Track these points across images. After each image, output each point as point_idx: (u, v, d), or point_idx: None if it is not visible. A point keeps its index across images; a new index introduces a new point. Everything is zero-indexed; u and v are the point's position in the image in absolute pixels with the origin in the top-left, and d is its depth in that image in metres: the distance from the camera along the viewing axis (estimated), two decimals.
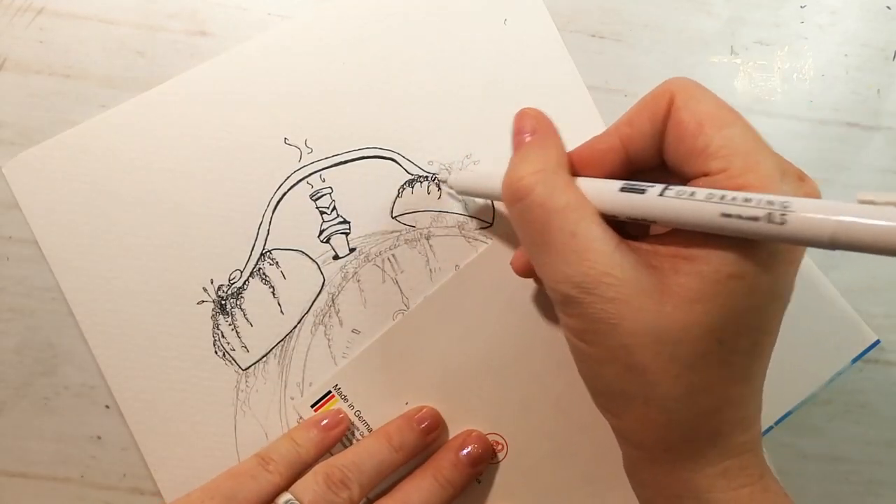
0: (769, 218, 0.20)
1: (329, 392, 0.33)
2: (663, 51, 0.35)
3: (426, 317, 0.34)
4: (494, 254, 0.34)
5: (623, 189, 0.23)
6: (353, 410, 0.33)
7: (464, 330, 0.34)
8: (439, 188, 0.34)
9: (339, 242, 0.34)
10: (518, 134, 0.27)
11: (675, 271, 0.22)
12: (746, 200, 0.20)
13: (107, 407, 0.34)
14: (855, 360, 0.34)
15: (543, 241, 0.23)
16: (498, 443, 0.34)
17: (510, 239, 0.34)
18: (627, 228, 0.25)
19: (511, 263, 0.31)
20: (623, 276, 0.22)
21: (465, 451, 0.32)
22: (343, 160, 0.34)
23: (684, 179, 0.24)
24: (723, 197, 0.21)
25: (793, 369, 0.34)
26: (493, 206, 0.34)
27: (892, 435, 0.35)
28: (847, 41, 0.36)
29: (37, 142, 0.33)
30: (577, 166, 0.26)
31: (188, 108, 0.33)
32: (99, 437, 0.34)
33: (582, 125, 0.34)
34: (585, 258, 0.23)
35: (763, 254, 0.22)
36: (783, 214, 0.19)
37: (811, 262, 0.34)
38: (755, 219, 0.20)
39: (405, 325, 0.34)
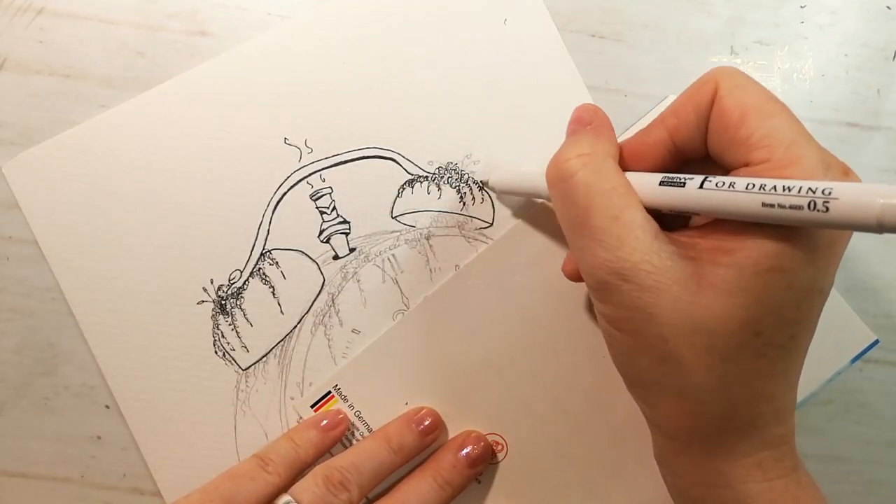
0: (812, 205, 0.19)
1: (329, 392, 0.33)
2: (663, 51, 0.35)
3: (426, 317, 0.34)
4: (494, 254, 0.34)
5: (662, 182, 0.23)
6: (353, 411, 0.34)
7: (464, 330, 0.34)
8: (440, 188, 0.34)
9: (339, 242, 0.34)
10: (575, 122, 0.28)
11: (713, 263, 0.22)
12: (787, 189, 0.20)
13: (107, 407, 0.34)
14: (854, 360, 0.34)
15: (584, 223, 0.23)
16: (498, 443, 0.34)
17: (509, 239, 0.34)
18: (667, 221, 0.25)
19: (562, 268, 0.31)
20: (662, 265, 0.22)
21: (464, 452, 0.32)
22: (343, 160, 0.34)
23: (727, 170, 0.24)
24: (763, 186, 0.20)
25: None
26: (493, 206, 0.34)
27: (892, 435, 0.35)
28: (847, 41, 0.36)
29: (37, 142, 0.33)
30: (626, 160, 0.26)
31: (188, 108, 0.33)
32: (99, 437, 0.34)
33: None
34: (626, 244, 0.22)
35: (803, 247, 0.22)
36: (825, 202, 0.19)
37: None
38: (798, 207, 0.20)
39: (405, 326, 0.34)
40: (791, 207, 0.20)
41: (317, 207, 0.34)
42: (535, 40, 0.35)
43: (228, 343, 0.33)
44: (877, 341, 0.34)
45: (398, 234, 0.34)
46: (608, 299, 0.23)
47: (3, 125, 0.34)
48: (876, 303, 0.35)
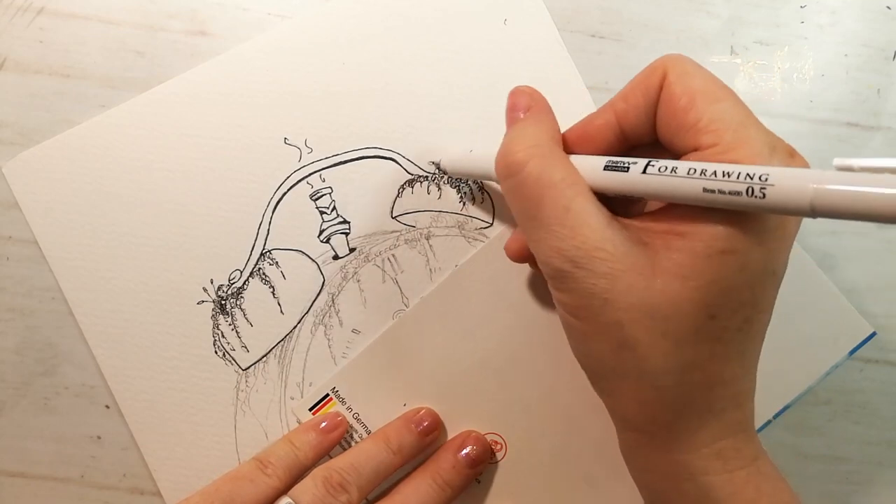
0: (750, 191, 0.20)
1: (327, 395, 0.33)
2: (663, 51, 0.35)
3: (423, 318, 0.34)
4: (489, 253, 0.34)
5: (607, 167, 0.24)
6: (352, 413, 0.33)
7: (461, 330, 0.34)
8: (440, 188, 0.34)
9: (338, 242, 0.34)
10: (512, 111, 0.27)
11: (666, 247, 0.22)
12: (727, 174, 0.20)
13: (107, 407, 0.34)
14: (852, 353, 0.34)
15: (537, 215, 0.24)
16: (497, 443, 0.34)
17: (504, 238, 0.34)
18: (619, 205, 0.25)
19: (505, 248, 0.31)
20: (615, 251, 0.22)
21: (463, 452, 0.32)
22: (343, 160, 0.34)
23: (676, 154, 0.24)
24: (703, 172, 0.21)
25: (790, 363, 0.34)
26: (493, 206, 0.34)
27: (892, 435, 0.35)
28: (847, 41, 0.36)
29: (37, 142, 0.33)
30: (572, 143, 0.26)
31: (188, 108, 0.34)
32: (99, 437, 0.34)
33: None
34: (578, 233, 0.23)
35: (755, 228, 0.22)
36: (762, 188, 0.19)
37: (807, 257, 0.34)
38: (737, 193, 0.20)
39: (402, 327, 0.34)
40: (730, 193, 0.20)
41: (317, 207, 0.34)
42: (535, 40, 0.35)
43: (228, 343, 0.33)
44: (873, 333, 0.34)
45: (398, 234, 0.34)
46: (564, 287, 0.24)
47: (3, 125, 0.34)
48: (876, 303, 0.35)
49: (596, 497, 0.34)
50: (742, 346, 0.24)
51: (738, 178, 0.20)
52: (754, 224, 0.22)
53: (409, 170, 0.34)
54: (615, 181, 0.23)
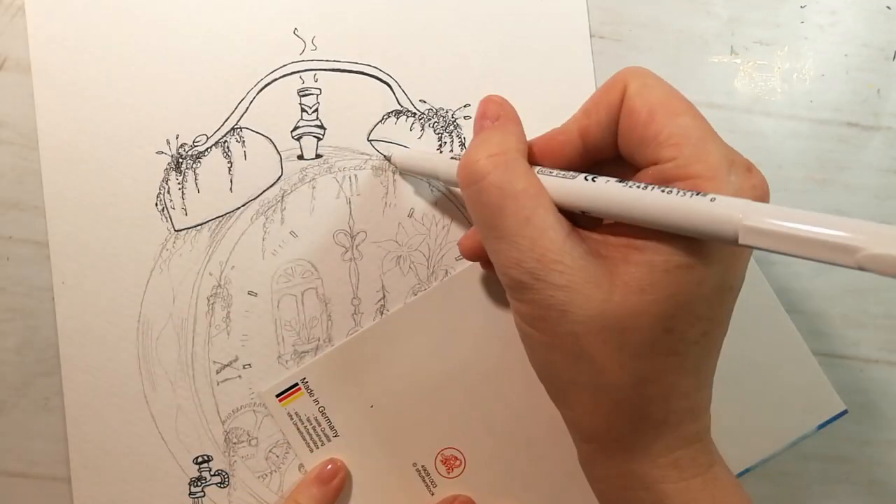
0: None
1: (296, 384, 0.33)
2: (663, 51, 0.35)
3: (404, 323, 0.34)
4: (480, 270, 0.34)
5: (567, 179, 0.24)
6: (318, 406, 0.34)
7: (438, 342, 0.34)
8: (423, 129, 0.34)
9: (308, 144, 0.34)
10: (480, 118, 0.28)
11: (624, 261, 0.22)
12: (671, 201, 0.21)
13: None
14: (820, 427, 0.34)
15: (497, 224, 0.23)
16: (456, 458, 0.34)
17: None
18: (580, 218, 0.25)
19: (458, 244, 0.31)
20: (574, 263, 0.22)
21: None
22: (341, 68, 0.34)
23: (636, 168, 0.24)
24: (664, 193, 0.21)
25: (758, 426, 0.34)
26: None
27: (892, 435, 0.35)
28: (847, 41, 0.36)
29: (37, 141, 0.33)
30: (536, 156, 0.26)
31: None
32: None
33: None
34: (538, 245, 0.23)
35: (713, 244, 0.22)
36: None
37: (791, 324, 0.34)
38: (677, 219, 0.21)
39: (381, 329, 0.34)
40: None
41: (300, 104, 0.34)
42: (565, 36, 0.35)
43: (171, 200, 0.33)
44: (844, 411, 0.34)
45: (368, 157, 0.34)
46: (522, 297, 0.24)
47: (3, 125, 0.34)
48: (876, 303, 0.35)
49: None
50: (698, 360, 0.24)
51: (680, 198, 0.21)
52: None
53: (400, 101, 0.34)
54: (578, 198, 0.24)
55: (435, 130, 0.34)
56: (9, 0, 0.34)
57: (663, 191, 0.21)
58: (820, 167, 0.35)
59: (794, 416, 0.34)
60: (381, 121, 0.34)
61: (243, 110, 0.34)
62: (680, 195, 0.21)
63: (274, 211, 0.34)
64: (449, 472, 0.34)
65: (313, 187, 0.34)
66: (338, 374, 0.34)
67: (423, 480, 0.34)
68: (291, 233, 0.34)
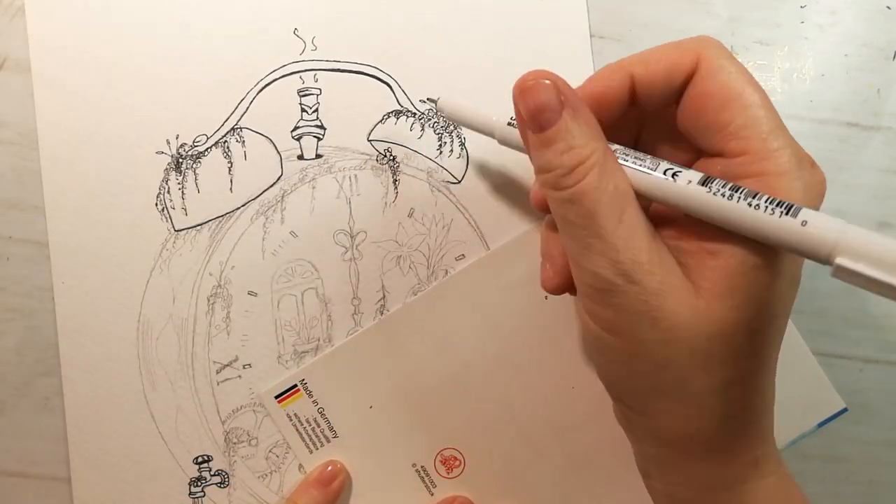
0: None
1: (295, 386, 0.33)
2: None
3: (402, 324, 0.34)
4: (480, 271, 0.34)
5: (662, 173, 0.23)
6: (317, 407, 0.34)
7: (437, 342, 0.34)
8: (423, 129, 0.34)
9: (308, 144, 0.34)
10: (536, 112, 0.23)
11: (700, 265, 0.22)
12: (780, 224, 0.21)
13: None
14: (821, 425, 0.34)
15: (588, 225, 0.22)
16: (455, 458, 0.34)
17: (497, 258, 0.34)
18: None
19: (531, 197, 0.29)
20: (664, 267, 0.22)
21: None
22: (342, 69, 0.34)
23: (694, 148, 0.24)
24: (757, 207, 0.21)
25: None
26: (466, 166, 0.34)
27: (892, 435, 0.35)
28: (847, 41, 0.36)
29: (37, 141, 0.33)
30: (587, 104, 0.24)
31: None
32: None
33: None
34: (631, 245, 0.22)
35: None
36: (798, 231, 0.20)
37: (791, 325, 0.34)
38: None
39: (380, 329, 0.34)
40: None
41: (300, 104, 0.34)
42: (564, 36, 0.35)
43: (171, 200, 0.33)
44: (844, 409, 0.34)
45: (368, 157, 0.34)
46: (609, 302, 0.23)
47: (3, 125, 0.34)
48: (877, 303, 0.35)
49: None
50: (772, 356, 0.24)
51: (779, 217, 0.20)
52: None
53: (400, 100, 0.34)
54: (656, 192, 0.23)
55: (435, 130, 0.34)
56: (9, 0, 0.34)
57: (750, 204, 0.21)
58: (820, 167, 0.35)
59: (794, 415, 0.34)
60: (381, 121, 0.34)
61: (243, 110, 0.34)
62: (769, 213, 0.20)
63: (274, 211, 0.34)
64: (448, 473, 0.34)
65: (313, 187, 0.34)
66: (336, 376, 0.33)
67: (423, 481, 0.34)
68: (291, 233, 0.34)
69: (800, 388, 0.34)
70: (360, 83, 0.34)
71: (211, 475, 0.33)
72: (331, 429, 0.34)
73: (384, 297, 0.34)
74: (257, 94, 0.34)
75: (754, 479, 0.24)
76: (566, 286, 0.27)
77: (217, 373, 0.34)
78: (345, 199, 0.34)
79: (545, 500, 0.34)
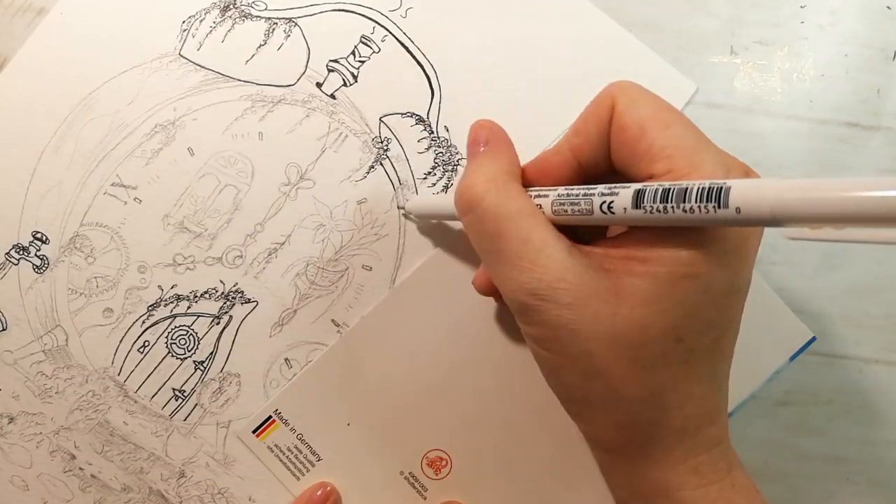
0: (712, 196, 0.19)
1: (270, 417, 0.33)
2: (663, 51, 0.35)
3: (363, 336, 0.33)
4: (428, 271, 0.34)
5: (558, 204, 0.24)
6: (295, 434, 0.33)
7: (402, 347, 0.33)
8: (428, 149, 0.34)
9: (334, 81, 0.34)
10: (472, 145, 0.27)
11: (628, 273, 0.22)
12: (684, 191, 0.20)
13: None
14: (793, 358, 0.34)
15: (497, 249, 0.23)
16: (442, 459, 0.34)
17: (443, 255, 0.34)
18: (580, 233, 0.25)
19: (473, 282, 0.30)
20: (578, 280, 0.22)
21: None
22: (409, 48, 0.34)
23: (632, 182, 0.24)
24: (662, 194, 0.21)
25: (734, 370, 0.34)
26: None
27: (892, 435, 0.35)
28: (847, 41, 0.36)
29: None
30: (532, 179, 0.26)
31: None
32: None
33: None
34: (539, 265, 0.22)
35: (715, 250, 0.22)
36: (722, 197, 0.19)
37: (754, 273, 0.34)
38: (692, 211, 0.20)
39: (343, 346, 0.33)
40: (688, 211, 0.20)
41: (356, 47, 0.34)
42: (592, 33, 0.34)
43: (197, 29, 0.34)
44: (814, 338, 0.34)
45: (368, 131, 0.34)
46: (530, 320, 0.23)
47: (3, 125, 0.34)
48: (876, 303, 0.35)
49: None
50: (712, 365, 0.24)
51: (696, 193, 0.20)
52: (715, 245, 0.22)
53: (430, 112, 0.34)
54: (600, 221, 0.23)
55: (436, 157, 0.34)
56: (8, 0, 0.34)
57: (685, 210, 0.20)
58: (820, 167, 0.35)
59: (766, 353, 0.34)
60: (404, 114, 0.34)
61: (307, 13, 0.34)
62: (704, 213, 0.20)
63: (262, 107, 0.34)
64: (437, 474, 0.34)
65: (307, 115, 0.34)
66: (309, 400, 0.33)
67: (413, 487, 0.34)
68: (260, 134, 0.34)
69: (766, 325, 0.34)
70: (412, 72, 0.34)
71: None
72: (313, 453, 0.33)
73: (282, 245, 0.34)
74: (332, 9, 0.34)
75: (692, 487, 0.24)
76: (493, 289, 0.28)
77: (112, 185, 0.34)
78: (322, 145, 0.34)
79: (538, 484, 0.34)
